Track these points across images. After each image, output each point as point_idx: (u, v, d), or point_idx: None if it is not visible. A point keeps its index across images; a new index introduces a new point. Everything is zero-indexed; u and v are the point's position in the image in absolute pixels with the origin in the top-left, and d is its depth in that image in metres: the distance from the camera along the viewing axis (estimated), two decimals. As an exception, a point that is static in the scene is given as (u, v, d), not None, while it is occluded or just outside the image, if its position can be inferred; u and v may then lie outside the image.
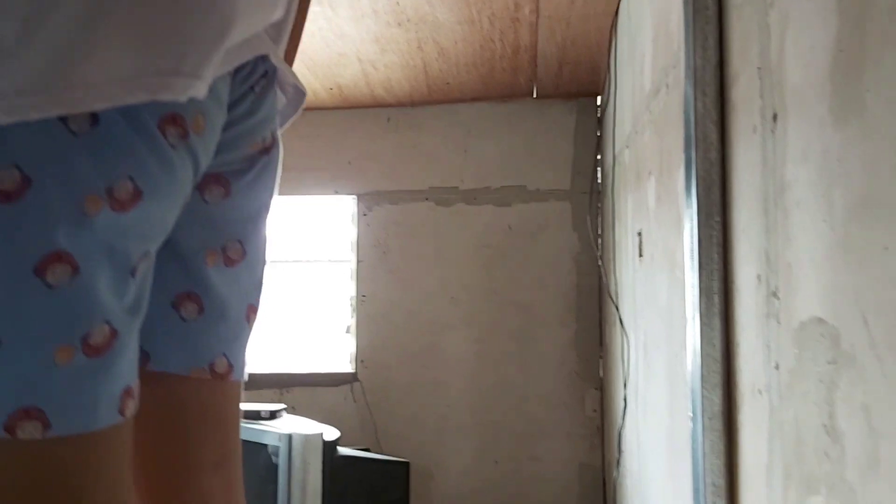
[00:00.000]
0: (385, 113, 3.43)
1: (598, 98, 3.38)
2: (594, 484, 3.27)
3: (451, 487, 3.29)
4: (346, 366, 3.44)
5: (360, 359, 3.39)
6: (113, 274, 0.68)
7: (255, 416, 2.68)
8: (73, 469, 0.68)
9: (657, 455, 2.01)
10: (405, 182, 3.40)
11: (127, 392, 0.72)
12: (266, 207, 0.94)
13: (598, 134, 3.30)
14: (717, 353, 1.31)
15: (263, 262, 0.97)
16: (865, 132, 0.83)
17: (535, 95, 3.37)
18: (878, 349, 0.80)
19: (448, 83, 3.19)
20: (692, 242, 1.36)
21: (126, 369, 0.72)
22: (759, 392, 1.15)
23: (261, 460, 2.55)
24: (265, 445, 2.52)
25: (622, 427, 2.59)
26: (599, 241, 3.19)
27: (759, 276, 1.16)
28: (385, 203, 3.41)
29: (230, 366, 0.91)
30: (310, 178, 3.43)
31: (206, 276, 0.88)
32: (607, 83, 2.97)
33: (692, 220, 1.37)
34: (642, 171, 2.20)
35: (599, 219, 3.22)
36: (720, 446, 1.30)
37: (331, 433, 2.58)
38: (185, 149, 0.72)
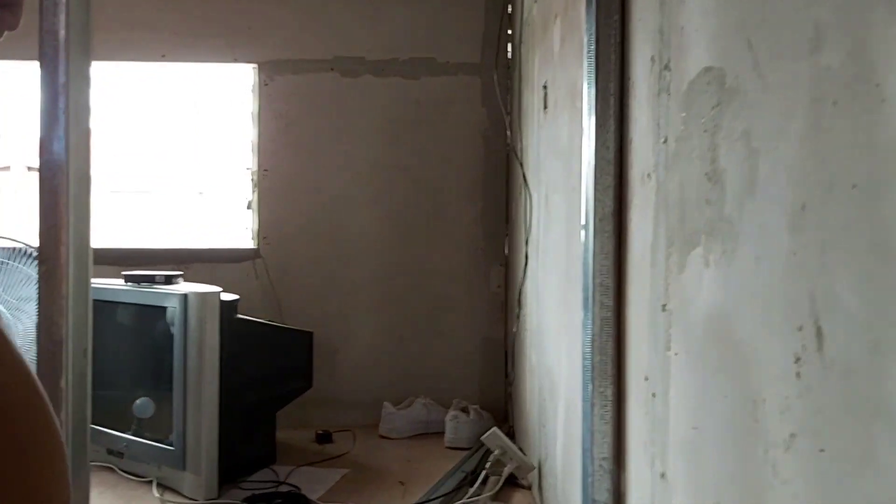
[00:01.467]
0: (288, -22, 3.27)
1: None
2: (496, 356, 3.33)
3: (356, 362, 3.29)
4: (247, 242, 3.35)
5: (262, 235, 3.30)
6: None
7: (149, 280, 2.58)
8: None
9: (554, 295, 2.04)
10: (308, 51, 3.26)
11: None
12: None
13: (510, 10, 3.24)
14: (611, 153, 1.31)
15: None
16: None
17: (446, -32, 3.26)
18: (760, 69, 0.79)
19: (355, -52, 3.04)
20: (589, 45, 1.33)
21: None
22: (648, 176, 1.15)
23: (156, 329, 2.47)
24: (162, 310, 2.43)
25: (522, 283, 2.62)
26: (508, 114, 3.17)
27: (652, 58, 1.14)
28: (287, 73, 3.27)
29: None
30: (205, 45, 3.24)
31: None
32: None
33: (591, 24, 1.33)
34: (548, 18, 2.16)
35: (508, 96, 3.19)
36: (609, 246, 1.31)
37: (229, 296, 2.52)
38: None
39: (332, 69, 3.29)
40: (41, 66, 1.29)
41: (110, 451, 2.56)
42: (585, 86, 1.36)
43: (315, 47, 3.28)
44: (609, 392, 1.31)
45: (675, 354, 1.03)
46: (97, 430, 2.56)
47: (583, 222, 1.38)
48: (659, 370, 1.10)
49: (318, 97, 3.29)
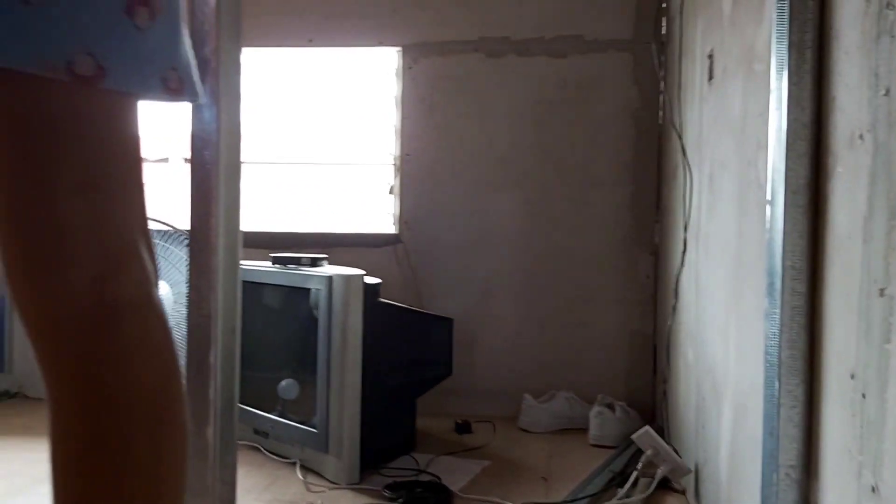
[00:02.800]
0: (433, -42, 3.20)
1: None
2: (645, 352, 3.14)
3: (496, 350, 3.20)
4: (389, 227, 3.32)
5: (403, 220, 3.26)
6: None
7: (295, 262, 2.60)
8: None
9: (720, 285, 1.85)
10: (453, 32, 3.18)
11: None
12: None
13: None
14: (807, 115, 1.13)
15: None
16: None
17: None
18: None
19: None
20: (781, -7, 1.16)
21: None
22: (860, 137, 0.97)
23: (301, 311, 2.47)
24: (307, 292, 2.44)
25: (680, 272, 2.44)
26: (662, 92, 2.96)
27: (868, -3, 0.96)
28: (432, 55, 3.20)
29: (99, 68, 0.73)
30: (351, 28, 3.23)
31: None
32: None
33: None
34: (716, -20, 1.96)
35: (663, 72, 2.98)
36: (803, 224, 1.14)
37: (372, 279, 2.49)
38: None
39: (476, 50, 3.20)
40: (194, 47, 1.27)
41: (256, 431, 2.60)
42: (774, 42, 1.18)
43: (459, 28, 3.20)
44: (800, 391, 1.14)
45: (898, 348, 0.86)
46: (244, 409, 2.61)
47: (768, 197, 1.21)
48: (872, 366, 0.92)
49: (461, 79, 3.22)
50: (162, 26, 0.79)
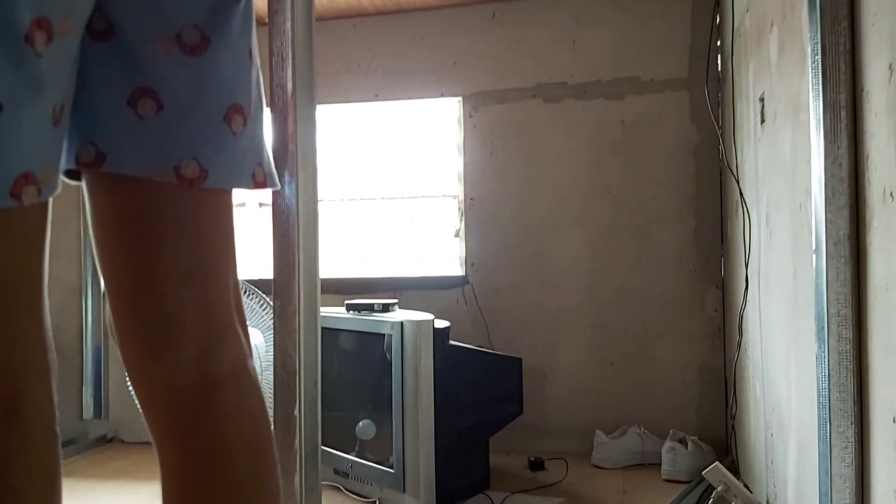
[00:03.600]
0: (490, 8, 3.34)
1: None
2: (716, 385, 3.15)
3: (566, 389, 3.26)
4: (456, 269, 3.44)
5: (469, 262, 3.37)
6: None
7: (368, 308, 2.73)
8: None
9: (780, 322, 1.89)
10: (511, 80, 3.31)
11: (26, 177, 0.67)
12: None
13: (718, 21, 3.09)
14: (844, 171, 1.20)
15: (248, 58, 0.88)
16: None
17: (647, -16, 3.18)
18: None
19: (554, -26, 3.05)
20: (814, 55, 1.23)
21: (25, 151, 0.67)
22: (891, 195, 1.04)
23: (375, 355, 2.60)
24: (381, 337, 2.56)
25: (743, 308, 2.46)
26: (719, 126, 3.01)
27: (890, 66, 1.03)
28: (491, 103, 3.34)
29: (202, 170, 0.83)
30: (414, 82, 3.40)
31: (159, 68, 0.79)
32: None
33: (816, 32, 1.24)
34: (763, 26, 2.03)
35: (720, 110, 3.03)
36: (846, 272, 1.19)
37: (441, 323, 2.60)
38: None
39: (534, 96, 3.31)
40: (272, 114, 1.41)
41: (337, 472, 2.72)
42: (811, 99, 1.26)
43: (517, 76, 3.32)
44: (850, 433, 1.19)
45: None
46: (325, 450, 2.74)
47: (813, 247, 1.27)
48: (912, 412, 0.98)
49: (521, 125, 3.33)
50: (251, 129, 0.90)
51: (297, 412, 1.34)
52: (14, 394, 0.74)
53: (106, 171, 0.82)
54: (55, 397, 0.78)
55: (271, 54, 1.40)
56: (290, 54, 1.39)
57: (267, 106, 1.04)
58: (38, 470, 0.74)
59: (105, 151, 0.80)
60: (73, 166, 0.83)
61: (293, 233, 1.39)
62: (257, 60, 0.92)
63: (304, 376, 1.39)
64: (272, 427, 0.97)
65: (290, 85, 1.43)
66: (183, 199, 0.85)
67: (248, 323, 2.57)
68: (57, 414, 0.78)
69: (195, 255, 0.88)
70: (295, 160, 1.42)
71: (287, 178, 1.41)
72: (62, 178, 0.85)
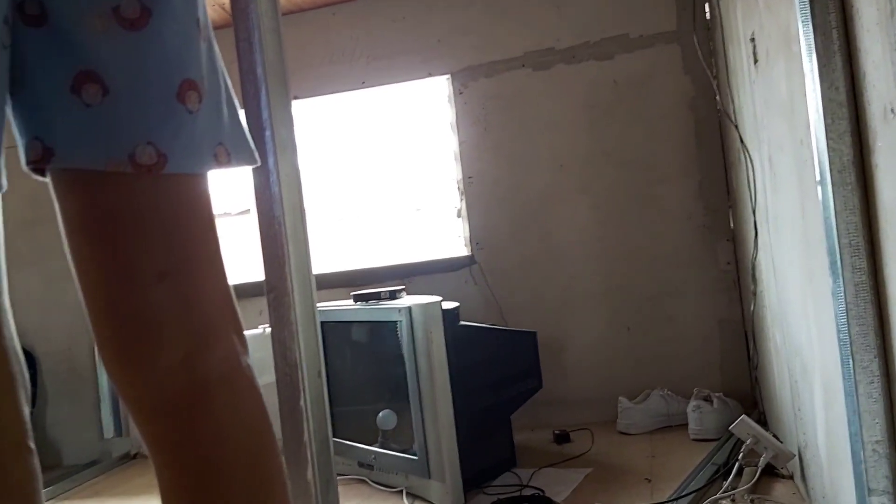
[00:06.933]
0: (470, -16, 3.28)
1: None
2: (736, 339, 3.09)
3: (585, 359, 3.21)
4: (461, 249, 3.39)
5: (474, 241, 3.32)
6: None
7: (375, 297, 2.69)
8: None
9: (793, 265, 1.84)
10: (498, 51, 3.24)
11: None
12: None
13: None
14: (841, 94, 1.14)
15: (195, 27, 0.80)
16: None
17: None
18: None
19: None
20: (799, -23, 1.17)
21: None
22: (892, 111, 0.98)
23: (388, 343, 2.56)
24: (391, 324, 2.52)
25: (755, 256, 2.41)
26: (714, 75, 2.94)
27: (879, -27, 0.97)
28: (480, 77, 3.27)
29: (160, 155, 0.76)
30: (401, 64, 3.34)
31: (99, 47, 0.72)
32: None
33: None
34: (746, -36, 1.96)
35: (712, 58, 2.96)
36: (854, 200, 1.14)
37: (450, 304, 2.55)
38: None
39: (523, 65, 3.25)
40: (244, 104, 1.37)
41: (361, 464, 2.69)
42: (800, 24, 1.20)
43: (504, 46, 3.26)
44: (875, 366, 1.14)
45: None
46: (348, 444, 2.71)
47: (818, 178, 1.22)
48: (937, 336, 0.92)
49: (512, 96, 3.27)
50: (207, 106, 0.82)
51: (302, 403, 1.30)
52: None
53: (60, 168, 0.77)
54: (24, 409, 0.74)
55: (238, 40, 1.36)
56: (256, 38, 1.35)
57: (237, 97, 0.97)
58: (7, 490, 0.69)
59: (51, 146, 0.74)
60: (25, 166, 0.79)
61: (278, 223, 1.34)
62: (209, 32, 0.85)
63: (307, 367, 1.35)
64: (273, 427, 0.91)
65: (259, 70, 1.38)
66: (144, 190, 0.78)
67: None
68: (28, 427, 0.73)
69: (167, 252, 0.81)
70: (273, 145, 1.38)
71: (268, 166, 1.37)
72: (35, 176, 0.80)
